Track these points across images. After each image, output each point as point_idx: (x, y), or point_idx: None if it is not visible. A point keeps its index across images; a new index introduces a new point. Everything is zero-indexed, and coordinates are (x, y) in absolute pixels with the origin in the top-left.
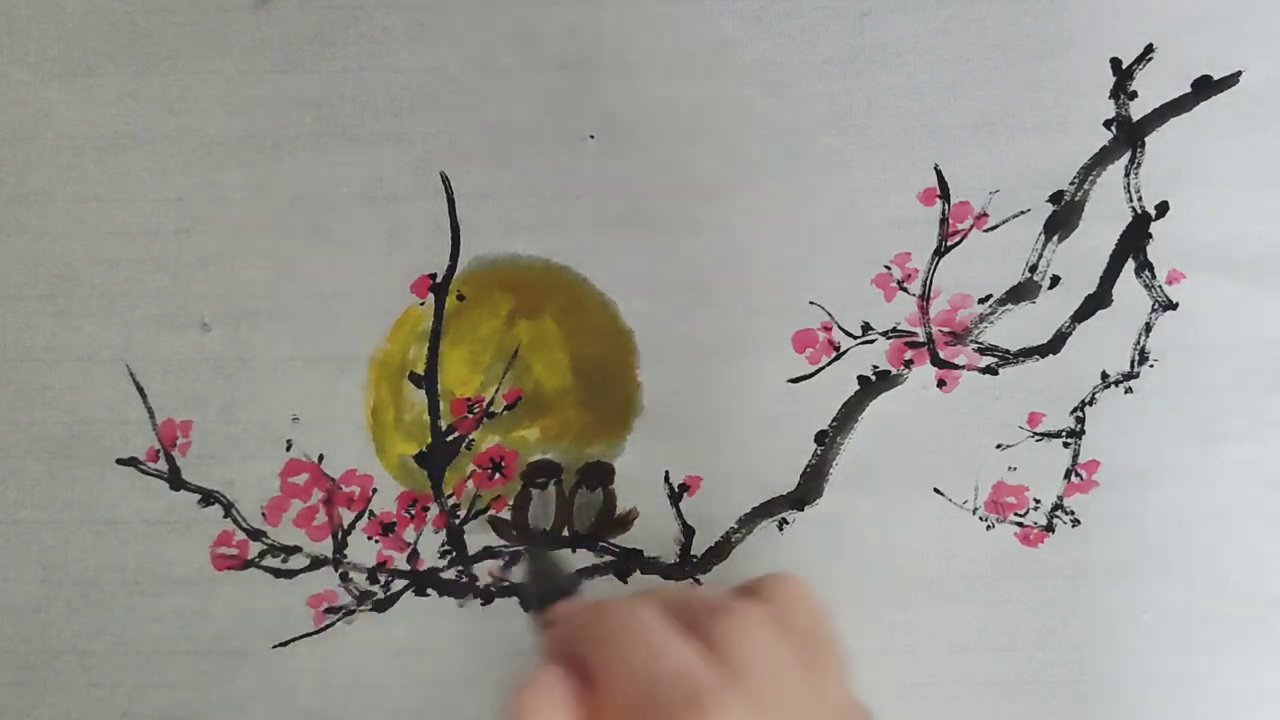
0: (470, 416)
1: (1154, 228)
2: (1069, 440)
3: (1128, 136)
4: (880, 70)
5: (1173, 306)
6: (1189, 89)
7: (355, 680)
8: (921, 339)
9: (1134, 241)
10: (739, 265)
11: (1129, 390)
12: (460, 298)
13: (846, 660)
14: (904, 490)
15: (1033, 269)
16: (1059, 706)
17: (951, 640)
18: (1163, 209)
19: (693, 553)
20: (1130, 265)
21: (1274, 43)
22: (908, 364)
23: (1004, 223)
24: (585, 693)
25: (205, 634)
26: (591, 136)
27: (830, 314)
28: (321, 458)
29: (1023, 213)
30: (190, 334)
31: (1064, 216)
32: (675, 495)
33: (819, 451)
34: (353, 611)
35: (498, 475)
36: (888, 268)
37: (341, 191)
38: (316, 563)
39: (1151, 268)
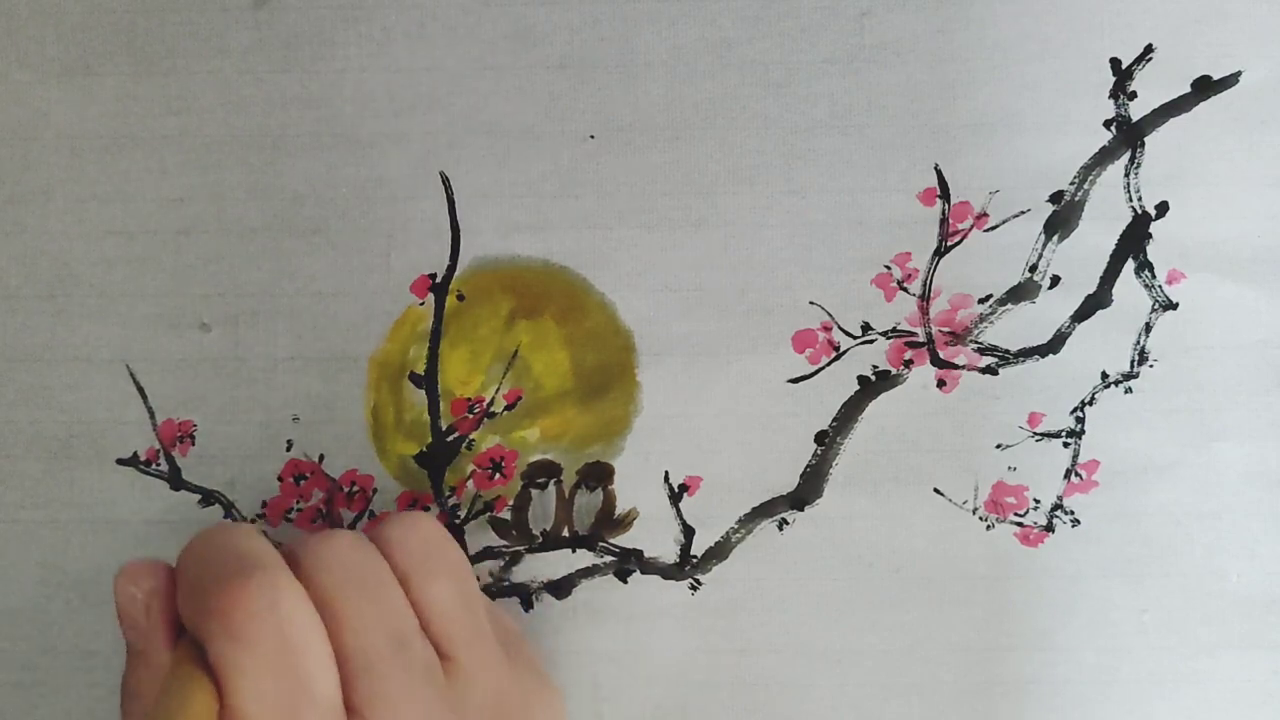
0: (470, 417)
1: (1154, 228)
2: (1069, 440)
3: (1127, 136)
4: (880, 70)
5: (1173, 306)
6: (1189, 89)
7: None
8: (921, 339)
9: (1134, 241)
10: (739, 265)
11: (1129, 390)
12: (460, 298)
13: (466, 576)
14: (904, 490)
15: (1033, 269)
16: (1059, 706)
17: (951, 640)
18: (1163, 209)
19: (693, 553)
20: (1130, 265)
21: (1274, 43)
22: (908, 364)
23: (1004, 223)
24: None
25: None
26: (591, 136)
27: (830, 314)
28: (322, 458)
29: (1023, 213)
30: (190, 334)
31: (1064, 216)
32: (675, 495)
33: (819, 451)
34: None
35: (498, 475)
36: (888, 268)
37: (341, 191)
38: None
39: (1151, 268)
